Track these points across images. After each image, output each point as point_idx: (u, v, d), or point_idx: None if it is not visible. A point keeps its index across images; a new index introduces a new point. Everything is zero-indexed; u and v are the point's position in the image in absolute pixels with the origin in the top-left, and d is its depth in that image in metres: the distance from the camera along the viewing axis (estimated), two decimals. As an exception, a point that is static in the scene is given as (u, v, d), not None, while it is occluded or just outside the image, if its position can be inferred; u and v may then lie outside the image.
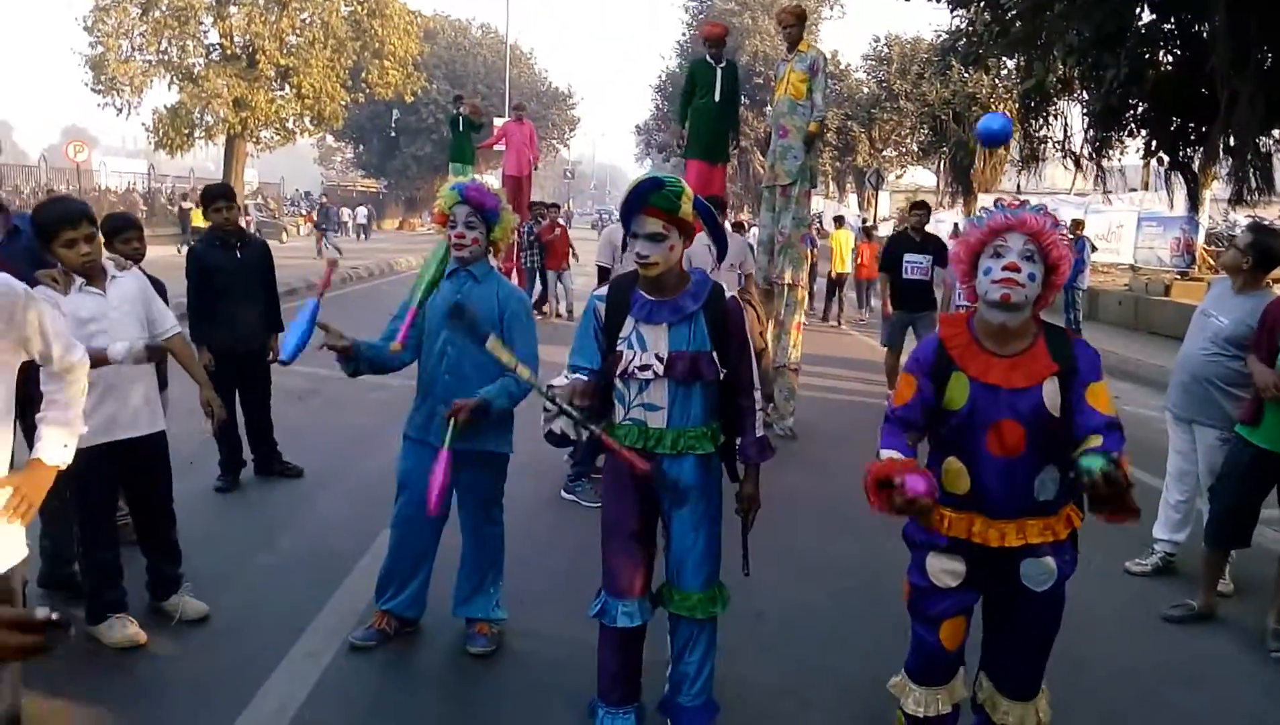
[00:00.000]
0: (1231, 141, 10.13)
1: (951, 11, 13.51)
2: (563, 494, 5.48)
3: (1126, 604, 4.31)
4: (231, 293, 5.32)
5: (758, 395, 2.86)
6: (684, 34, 42.98)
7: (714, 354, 2.74)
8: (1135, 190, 23.52)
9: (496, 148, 15.61)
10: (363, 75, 31.72)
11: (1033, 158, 17.31)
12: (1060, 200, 22.00)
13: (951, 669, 2.62)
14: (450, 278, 3.46)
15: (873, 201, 32.41)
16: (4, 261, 3.28)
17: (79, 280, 3.41)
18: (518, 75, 47.15)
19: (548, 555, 4.61)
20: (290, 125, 30.97)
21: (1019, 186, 24.09)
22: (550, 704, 3.23)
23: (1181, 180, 13.54)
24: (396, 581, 3.62)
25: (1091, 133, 13.94)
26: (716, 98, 8.02)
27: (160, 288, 4.71)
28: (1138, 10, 10.95)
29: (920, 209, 8.44)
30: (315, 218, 26.86)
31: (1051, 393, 2.34)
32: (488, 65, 47.68)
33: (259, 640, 3.57)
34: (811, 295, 16.53)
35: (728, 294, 2.83)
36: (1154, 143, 12.86)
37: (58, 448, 2.40)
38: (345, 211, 41.31)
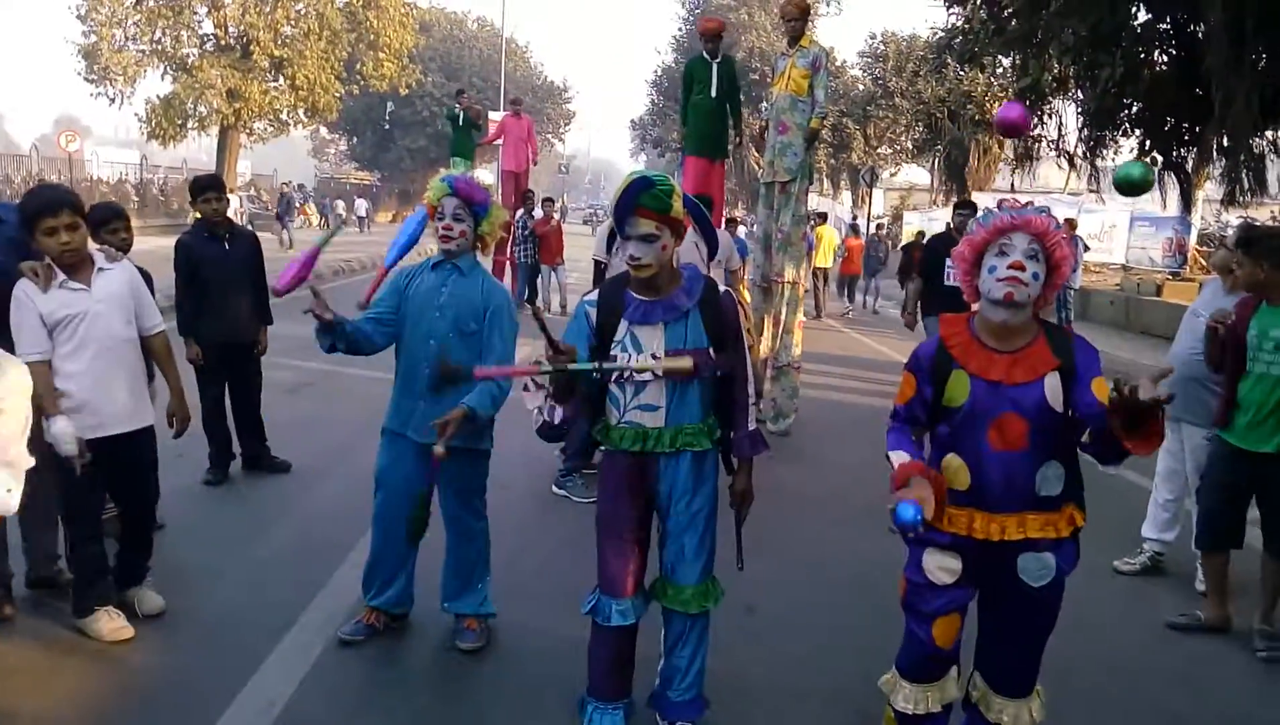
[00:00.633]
0: (1225, 142, 10.15)
1: (948, 9, 13.53)
2: (554, 489, 5.47)
3: (1116, 603, 4.32)
4: (220, 285, 5.28)
5: (751, 389, 2.86)
6: (680, 29, 42.90)
7: (710, 350, 2.73)
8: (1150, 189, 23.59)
9: (495, 143, 15.62)
10: (357, 67, 31.61)
11: (1027, 156, 17.36)
12: (1054, 199, 22.02)
13: (943, 667, 2.62)
14: (435, 269, 3.43)
15: (867, 199, 32.43)
16: None
17: (60, 276, 3.36)
18: (513, 69, 47.06)
19: (538, 550, 4.60)
20: (284, 117, 30.86)
21: (1013, 185, 24.13)
22: (540, 699, 3.22)
23: (1175, 180, 13.58)
24: (381, 577, 3.60)
25: (1086, 132, 13.98)
26: (713, 93, 8.01)
27: (147, 279, 4.69)
28: (1133, 9, 10.96)
29: (965, 208, 7.64)
30: (276, 207, 25.39)
31: (1054, 387, 2.37)
32: (483, 58, 47.58)
33: (247, 634, 3.55)
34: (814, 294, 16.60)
35: (721, 289, 2.81)
36: (1148, 143, 12.89)
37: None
38: (340, 203, 41.34)
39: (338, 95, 30.96)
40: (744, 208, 39.47)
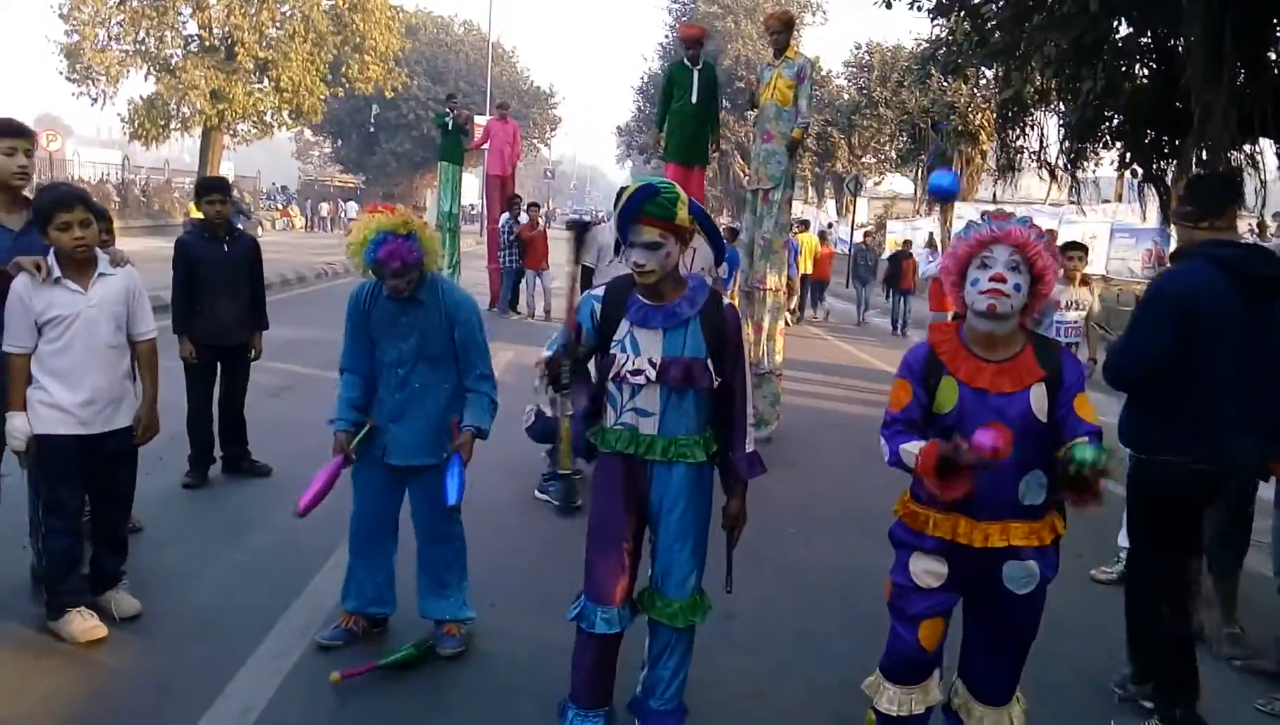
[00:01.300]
0: (1204, 155, 10.24)
1: (932, 20, 13.59)
2: (536, 494, 5.46)
3: (1093, 611, 4.34)
4: (216, 286, 5.32)
5: (750, 408, 2.85)
6: (667, 36, 43.07)
7: (708, 362, 2.73)
8: (1109, 202, 23.78)
9: (481, 147, 15.60)
10: (343, 70, 31.48)
11: (1009, 168, 17.47)
12: (1035, 210, 22.19)
13: (927, 670, 2.65)
14: (392, 297, 3.36)
15: (851, 207, 32.56)
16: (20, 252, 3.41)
17: (56, 272, 3.37)
18: (500, 73, 47.02)
19: (519, 556, 4.59)
20: (268, 118, 30.71)
21: (994, 196, 24.28)
22: (520, 705, 3.21)
23: (1154, 193, 13.68)
24: (358, 583, 3.59)
25: (1067, 144, 14.07)
26: (693, 100, 8.05)
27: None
28: (1115, 24, 11.06)
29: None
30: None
31: (1039, 398, 2.41)
32: (469, 62, 47.51)
33: (225, 639, 3.53)
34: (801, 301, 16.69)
35: (725, 302, 2.81)
36: (1128, 155, 12.99)
37: None
38: (325, 206, 41.34)
39: (322, 97, 30.84)
40: (728, 215, 39.56)
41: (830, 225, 25.02)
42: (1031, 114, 15.03)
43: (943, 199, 5.77)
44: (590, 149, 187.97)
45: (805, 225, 17.53)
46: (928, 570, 2.55)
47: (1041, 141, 15.73)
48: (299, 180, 57.60)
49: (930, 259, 13.55)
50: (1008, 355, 2.46)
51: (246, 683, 3.23)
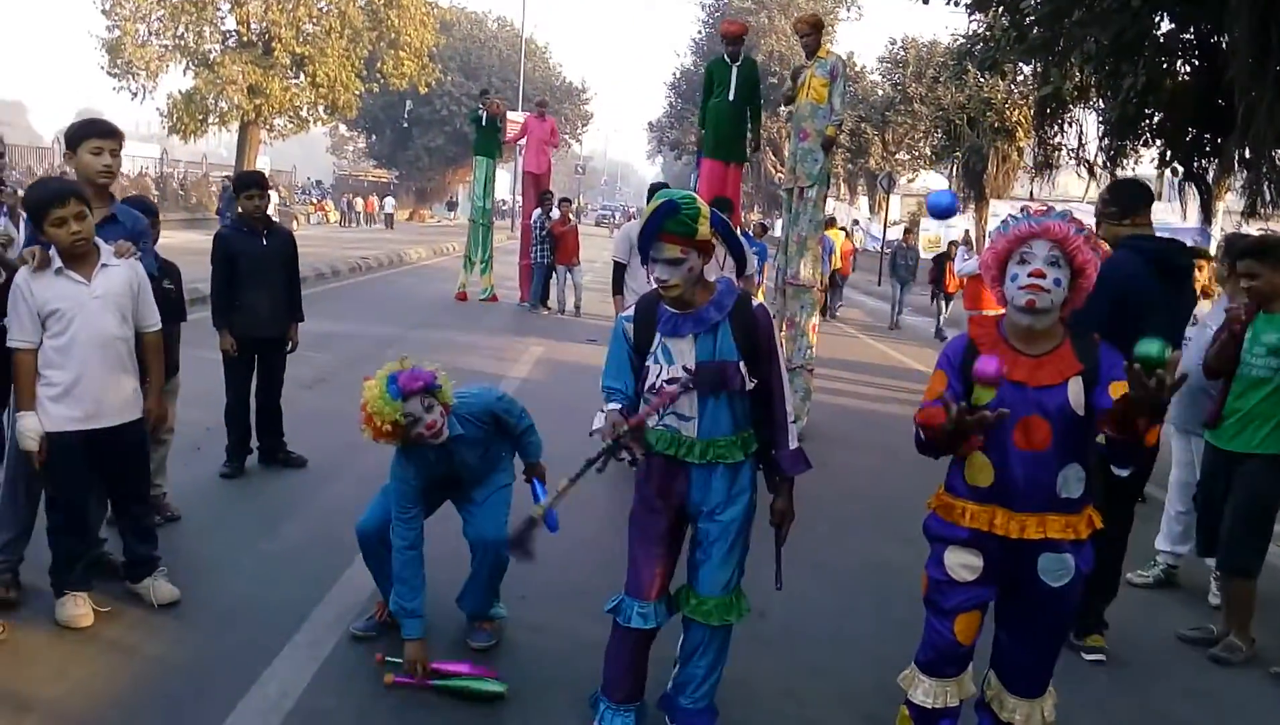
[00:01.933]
0: (1247, 154, 10.05)
1: (969, 16, 13.45)
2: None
3: (1128, 614, 4.29)
4: (254, 279, 5.39)
5: (789, 406, 2.84)
6: (700, 32, 42.93)
7: (741, 363, 2.72)
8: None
9: (518, 142, 15.64)
10: (378, 65, 31.75)
11: (1046, 165, 17.22)
12: (1073, 208, 21.86)
13: (963, 663, 2.66)
14: (436, 455, 3.34)
15: (884, 205, 32.32)
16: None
17: (57, 263, 3.34)
18: (532, 69, 47.22)
19: (553, 549, 4.59)
20: (304, 113, 31.02)
21: (1031, 193, 23.97)
22: (552, 697, 3.23)
23: (1195, 191, 13.45)
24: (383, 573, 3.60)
25: (1106, 141, 13.85)
26: (731, 96, 8.02)
27: (175, 272, 4.74)
28: (1157, 19, 10.87)
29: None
30: (219, 203, 23.33)
31: (1076, 391, 2.42)
32: (502, 58, 47.74)
33: (261, 626, 3.58)
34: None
35: (755, 302, 2.81)
36: (1169, 153, 12.76)
37: None
38: (360, 202, 41.85)
39: (357, 93, 31.12)
40: (760, 211, 39.42)
41: (855, 222, 24.81)
42: (1070, 110, 14.81)
43: (941, 216, 5.80)
44: (621, 144, 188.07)
45: (832, 222, 17.34)
46: (963, 564, 2.56)
47: (1080, 138, 15.50)
48: (333, 175, 58.18)
49: (966, 257, 13.35)
50: (1047, 349, 2.47)
51: (282, 669, 3.28)
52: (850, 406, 9.05)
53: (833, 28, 37.68)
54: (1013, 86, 22.72)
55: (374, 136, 51.40)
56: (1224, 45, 10.63)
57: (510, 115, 18.43)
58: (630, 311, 2.88)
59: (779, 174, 38.58)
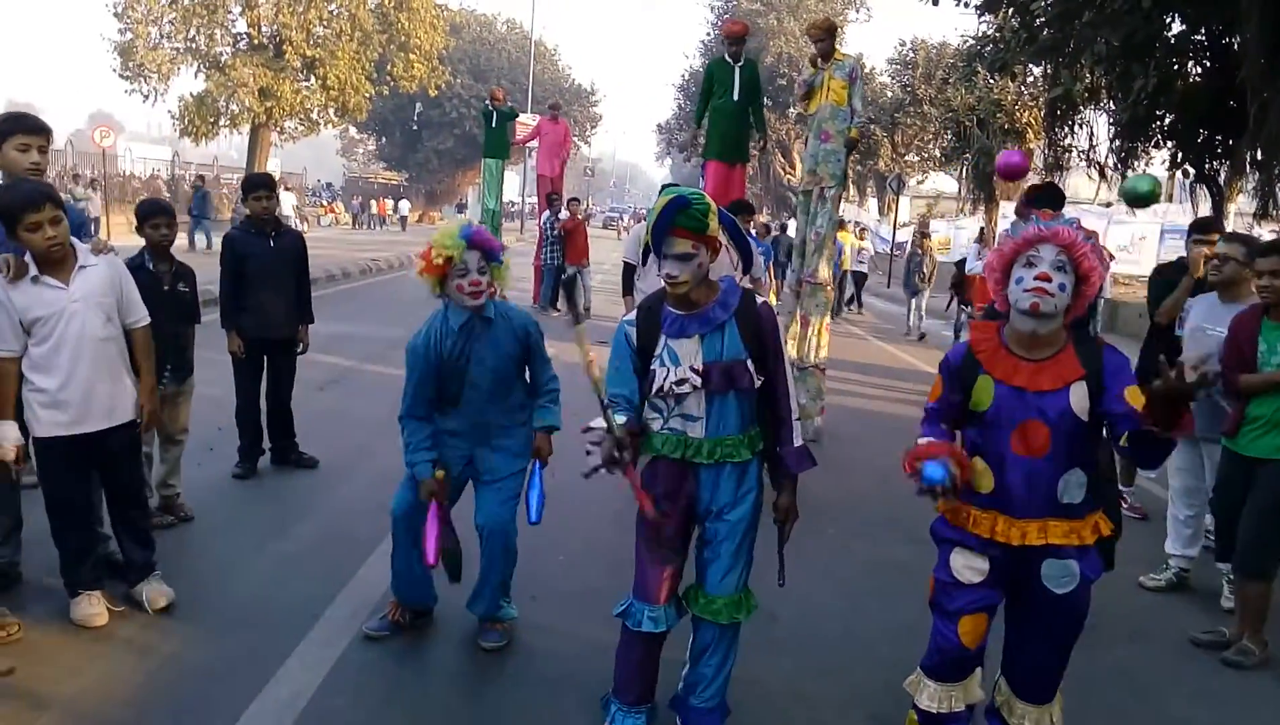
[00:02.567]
0: (1259, 156, 10.01)
1: (979, 17, 13.42)
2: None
3: (1140, 617, 4.28)
4: (263, 280, 5.40)
5: (794, 403, 2.85)
6: (708, 34, 42.90)
7: (748, 362, 2.73)
8: (1159, 202, 23.36)
9: (529, 145, 15.65)
10: (388, 68, 31.88)
11: (1056, 167, 17.17)
12: (1083, 210, 21.84)
13: (968, 667, 2.65)
14: (461, 330, 3.34)
15: (893, 206, 32.25)
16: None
17: (33, 270, 3.28)
18: (541, 71, 47.27)
19: (561, 550, 4.62)
20: (314, 116, 31.13)
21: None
22: (562, 698, 3.24)
23: (1207, 193, 13.40)
24: (406, 580, 3.62)
25: (1117, 143, 13.80)
26: (735, 97, 8.04)
27: (190, 275, 4.78)
28: (1168, 20, 10.84)
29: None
30: (190, 205, 22.39)
31: (1079, 397, 2.41)
32: (512, 61, 47.82)
33: (273, 627, 3.60)
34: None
35: (760, 301, 2.82)
36: (1180, 155, 12.72)
37: None
38: (374, 203, 42.14)
39: (368, 95, 31.21)
40: (768, 212, 39.37)
41: (859, 225, 24.68)
42: (1081, 112, 14.76)
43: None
44: (630, 146, 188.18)
45: (842, 224, 17.26)
46: (969, 565, 2.57)
47: (1091, 140, 15.43)
48: (343, 177, 58.37)
49: (979, 256, 13.27)
50: (1048, 354, 2.47)
51: (295, 670, 3.30)
52: (858, 408, 9.03)
53: (842, 29, 37.63)
54: (1023, 88, 22.64)
55: (384, 139, 51.57)
56: (1235, 46, 10.60)
57: (521, 118, 18.44)
58: (632, 315, 2.89)
59: (788, 175, 38.58)
